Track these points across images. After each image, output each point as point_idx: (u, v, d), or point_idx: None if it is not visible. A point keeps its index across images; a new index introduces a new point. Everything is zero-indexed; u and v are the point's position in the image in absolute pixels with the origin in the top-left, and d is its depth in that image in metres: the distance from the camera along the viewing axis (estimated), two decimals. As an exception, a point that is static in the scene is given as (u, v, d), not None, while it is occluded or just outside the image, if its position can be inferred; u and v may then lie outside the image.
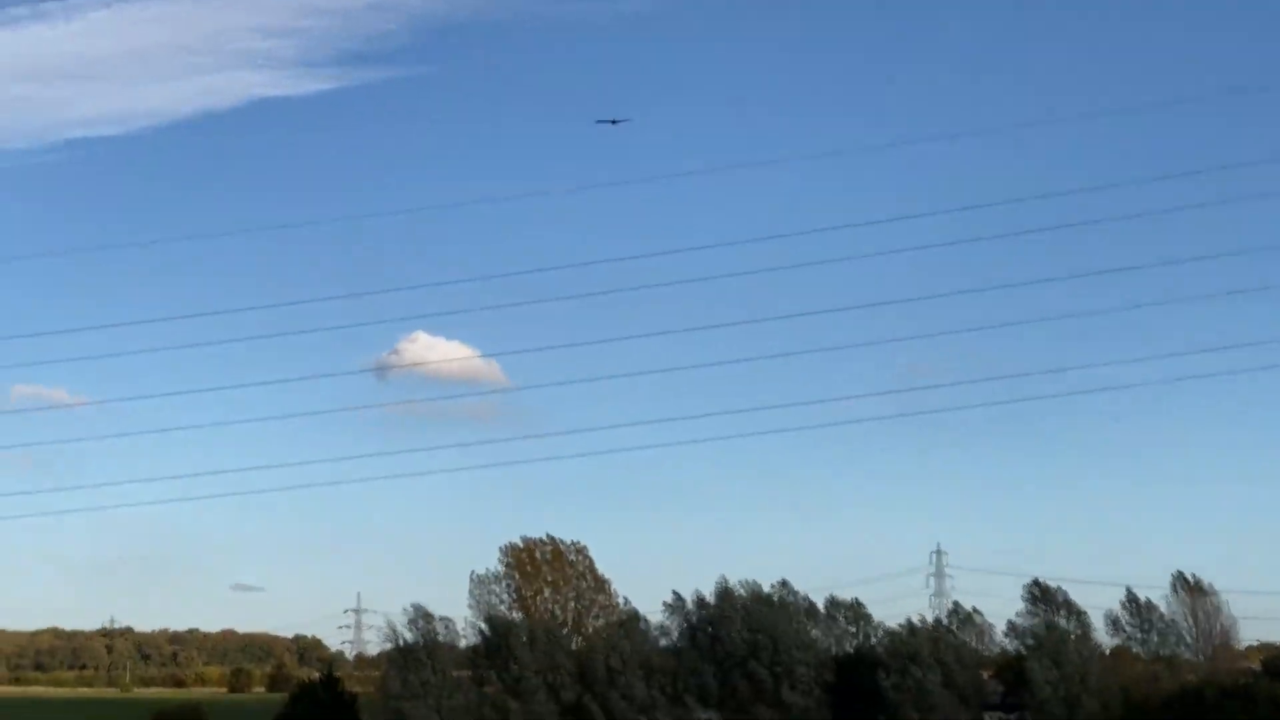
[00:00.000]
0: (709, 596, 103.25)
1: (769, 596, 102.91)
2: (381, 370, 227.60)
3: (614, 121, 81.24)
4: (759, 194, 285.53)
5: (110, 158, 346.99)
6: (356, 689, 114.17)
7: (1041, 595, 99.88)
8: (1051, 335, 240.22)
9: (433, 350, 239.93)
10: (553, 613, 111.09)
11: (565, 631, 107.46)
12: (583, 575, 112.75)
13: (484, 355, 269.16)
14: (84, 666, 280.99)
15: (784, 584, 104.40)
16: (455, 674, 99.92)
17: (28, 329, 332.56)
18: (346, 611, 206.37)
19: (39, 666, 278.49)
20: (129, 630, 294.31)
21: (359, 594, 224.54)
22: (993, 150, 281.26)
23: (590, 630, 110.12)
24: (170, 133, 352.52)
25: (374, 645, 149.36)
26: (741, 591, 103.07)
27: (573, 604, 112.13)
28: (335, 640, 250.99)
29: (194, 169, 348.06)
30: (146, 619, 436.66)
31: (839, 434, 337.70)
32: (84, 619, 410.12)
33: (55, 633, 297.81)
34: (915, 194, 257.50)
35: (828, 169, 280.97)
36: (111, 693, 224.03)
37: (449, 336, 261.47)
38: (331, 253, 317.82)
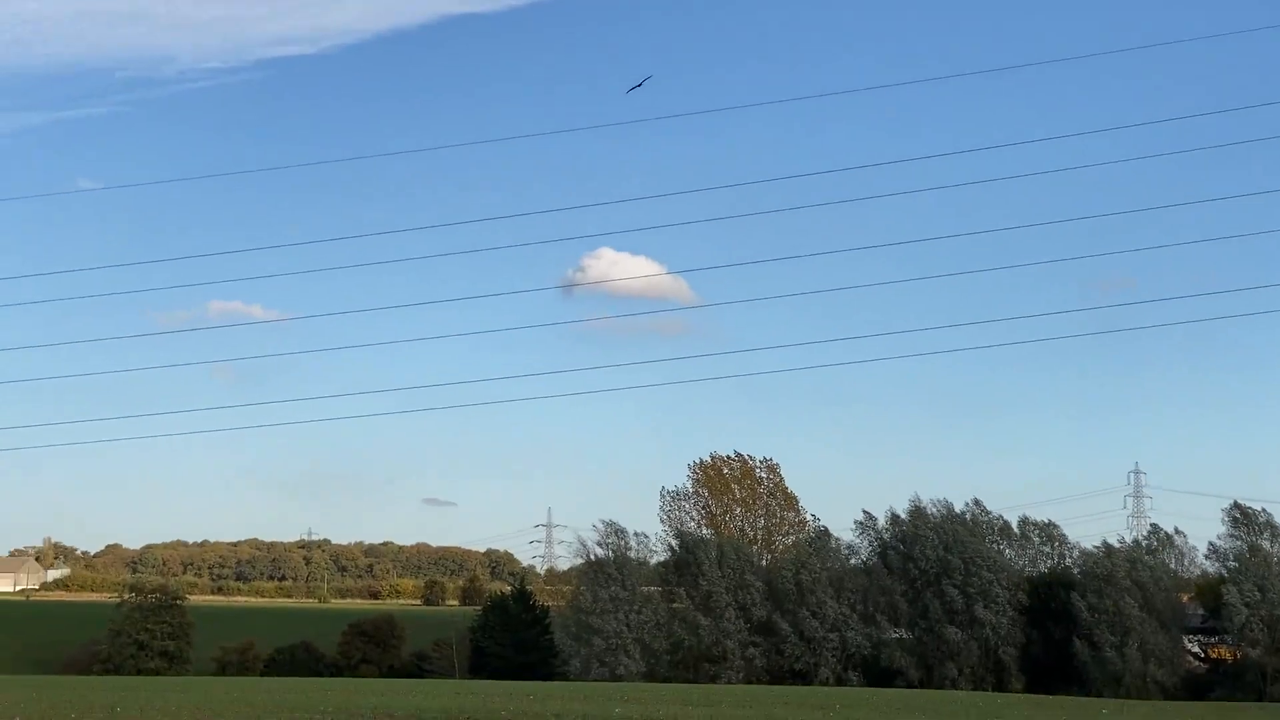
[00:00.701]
0: (901, 515, 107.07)
1: (962, 516, 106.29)
2: (569, 287, 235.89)
3: (640, 84, 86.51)
4: (951, 108, 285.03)
5: (301, 76, 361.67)
6: (548, 602, 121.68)
7: (1243, 518, 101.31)
8: (1254, 251, 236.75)
9: (619, 267, 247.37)
10: (742, 530, 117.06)
11: (754, 549, 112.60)
12: (772, 493, 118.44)
13: (671, 272, 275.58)
14: (283, 577, 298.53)
15: (977, 503, 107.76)
16: (645, 589, 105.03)
17: (224, 247, 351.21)
18: (537, 526, 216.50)
19: (240, 576, 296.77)
20: (326, 542, 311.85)
21: (549, 509, 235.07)
22: (1192, 62, 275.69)
23: (779, 548, 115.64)
24: (360, 51, 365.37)
25: (564, 560, 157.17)
26: (934, 511, 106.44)
27: (762, 521, 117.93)
28: (526, 555, 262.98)
29: (383, 87, 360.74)
30: (342, 532, 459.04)
31: (1035, 352, 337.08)
32: (283, 531, 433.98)
33: (255, 544, 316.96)
34: (1111, 108, 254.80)
35: (1018, 83, 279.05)
36: (310, 603, 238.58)
37: (635, 253, 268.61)
38: (520, 169, 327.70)
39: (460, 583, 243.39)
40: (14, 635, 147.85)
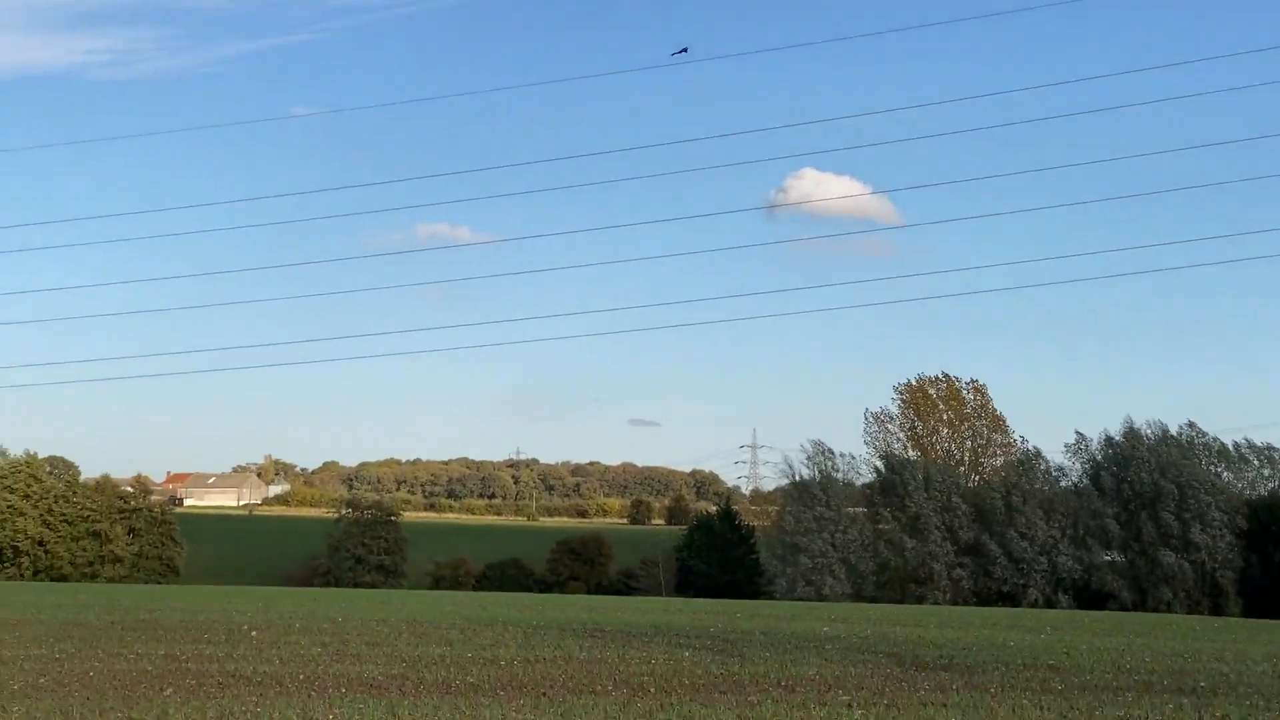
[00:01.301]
0: (1115, 437, 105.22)
1: (1177, 438, 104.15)
2: (772, 208, 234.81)
3: (681, 50, 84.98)
4: (1159, 20, 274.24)
5: (504, 1, 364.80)
6: (753, 522, 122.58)
7: None
8: None
9: (823, 187, 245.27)
10: (948, 451, 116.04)
11: (961, 471, 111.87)
12: (979, 414, 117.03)
13: (875, 192, 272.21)
14: (492, 495, 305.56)
15: (1191, 425, 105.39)
16: (850, 510, 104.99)
17: (431, 170, 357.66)
18: (742, 447, 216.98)
19: (451, 494, 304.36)
20: (534, 461, 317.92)
21: (754, 430, 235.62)
22: None
23: (987, 470, 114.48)
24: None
25: (769, 480, 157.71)
26: (1148, 433, 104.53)
27: (969, 443, 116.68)
28: (731, 475, 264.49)
29: (586, 10, 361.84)
30: (550, 451, 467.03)
31: (1250, 270, 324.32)
32: (492, 450, 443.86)
33: (465, 462, 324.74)
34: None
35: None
36: (519, 520, 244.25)
37: (839, 173, 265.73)
38: (723, 90, 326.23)
39: (665, 502, 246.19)
40: (238, 549, 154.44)
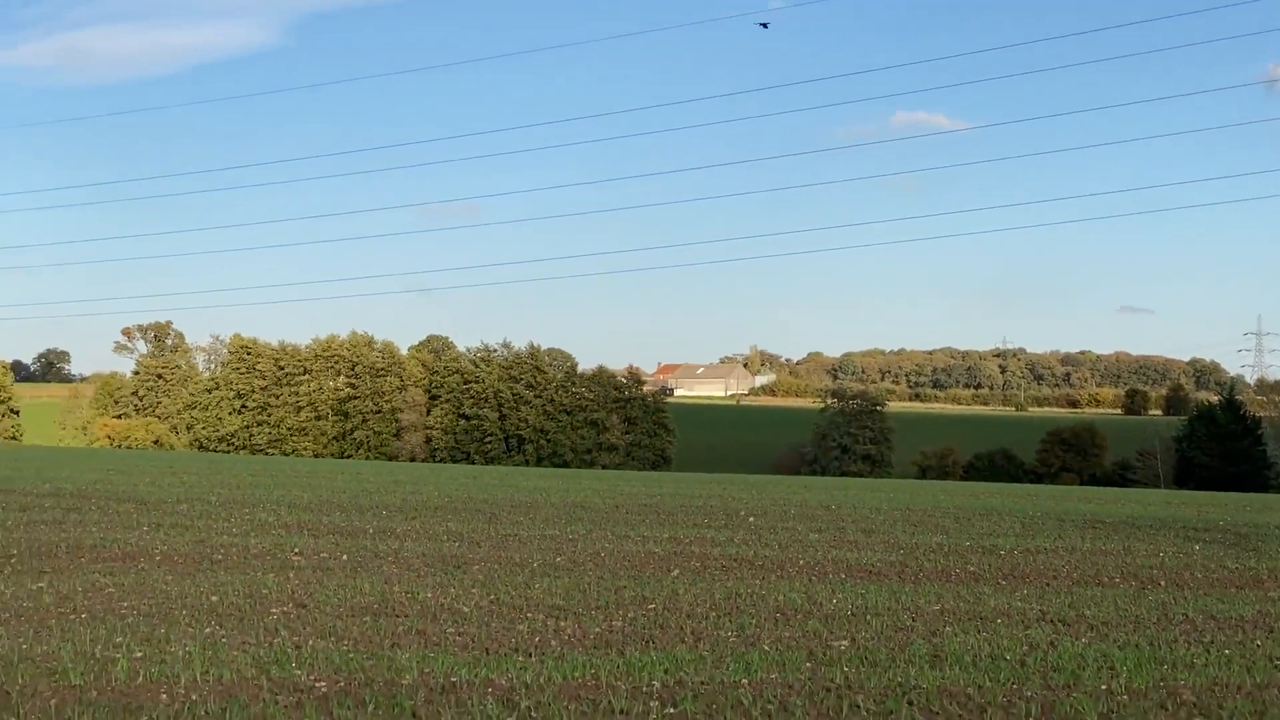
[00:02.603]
0: None
1: None
2: (1272, 83, 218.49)
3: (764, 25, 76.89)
4: None
5: None
6: (1259, 413, 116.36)
7: None
8: None
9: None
10: None
11: None
12: None
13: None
14: (978, 385, 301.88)
15: None
16: None
17: (906, 58, 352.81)
18: (1246, 334, 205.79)
19: (936, 384, 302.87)
20: (1021, 351, 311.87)
21: (1259, 316, 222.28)
22: None
23: None
24: None
25: (1276, 369, 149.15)
26: None
27: None
28: (1233, 364, 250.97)
29: None
30: (1036, 340, 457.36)
31: None
32: (977, 339, 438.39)
33: (950, 353, 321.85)
34: None
35: None
36: (1006, 411, 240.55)
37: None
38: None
39: (1162, 392, 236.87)
40: (726, 437, 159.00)
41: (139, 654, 12.04)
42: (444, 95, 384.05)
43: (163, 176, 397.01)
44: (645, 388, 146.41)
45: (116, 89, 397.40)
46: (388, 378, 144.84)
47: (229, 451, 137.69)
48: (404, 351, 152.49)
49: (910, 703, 11.02)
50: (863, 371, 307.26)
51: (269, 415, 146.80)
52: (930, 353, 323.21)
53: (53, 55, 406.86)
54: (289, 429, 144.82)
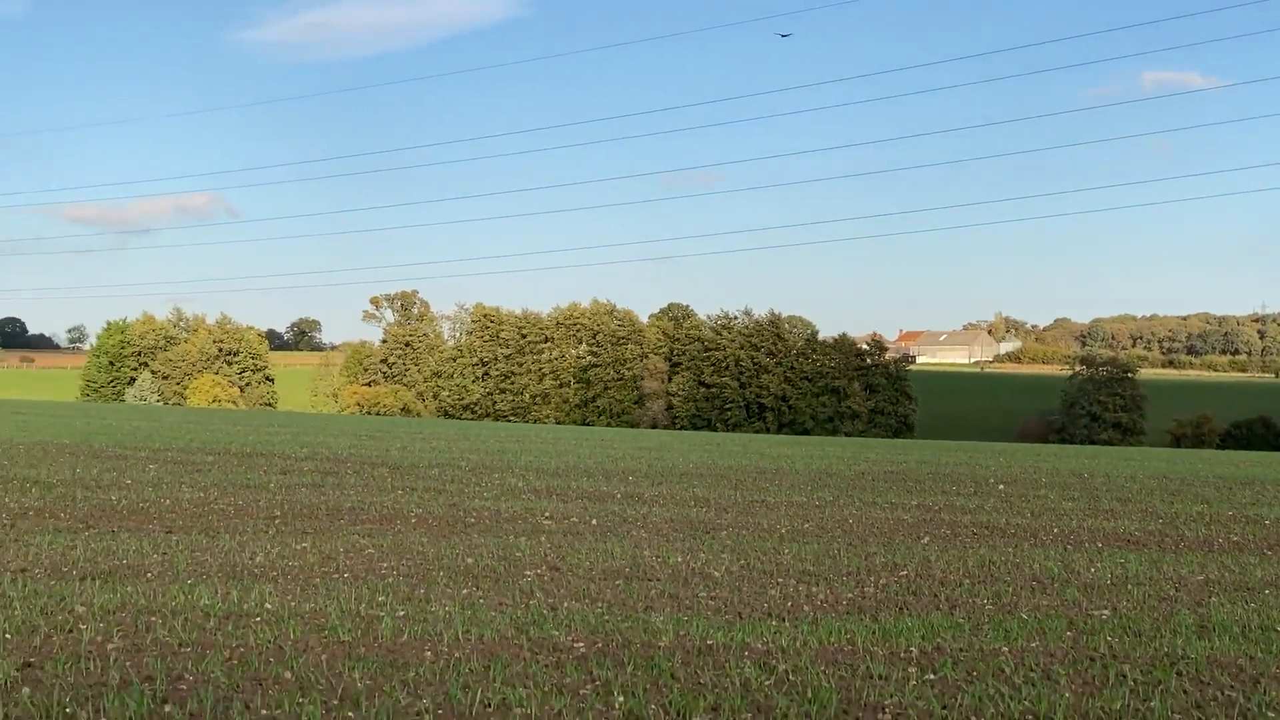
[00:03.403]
0: None
1: None
2: None
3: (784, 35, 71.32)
4: None
5: None
6: None
7: None
8: None
9: None
10: None
11: None
12: None
13: None
14: (1235, 351, 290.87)
15: None
16: None
17: (1154, 15, 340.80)
18: None
19: (1191, 350, 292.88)
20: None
21: None
22: None
23: None
24: None
25: None
26: None
27: None
28: None
29: None
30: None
31: None
32: (1234, 304, 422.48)
33: (1205, 318, 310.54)
34: None
35: None
36: (1265, 378, 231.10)
37: None
38: None
39: None
40: (969, 405, 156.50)
41: (401, 613, 12.40)
42: (683, 62, 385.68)
43: (408, 149, 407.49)
44: (887, 355, 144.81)
45: (362, 63, 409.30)
46: (629, 345, 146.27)
47: (473, 418, 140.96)
48: (644, 319, 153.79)
49: (1179, 673, 10.69)
50: (1113, 338, 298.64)
51: (512, 383, 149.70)
52: (1184, 318, 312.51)
53: (301, 32, 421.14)
54: (532, 396, 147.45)
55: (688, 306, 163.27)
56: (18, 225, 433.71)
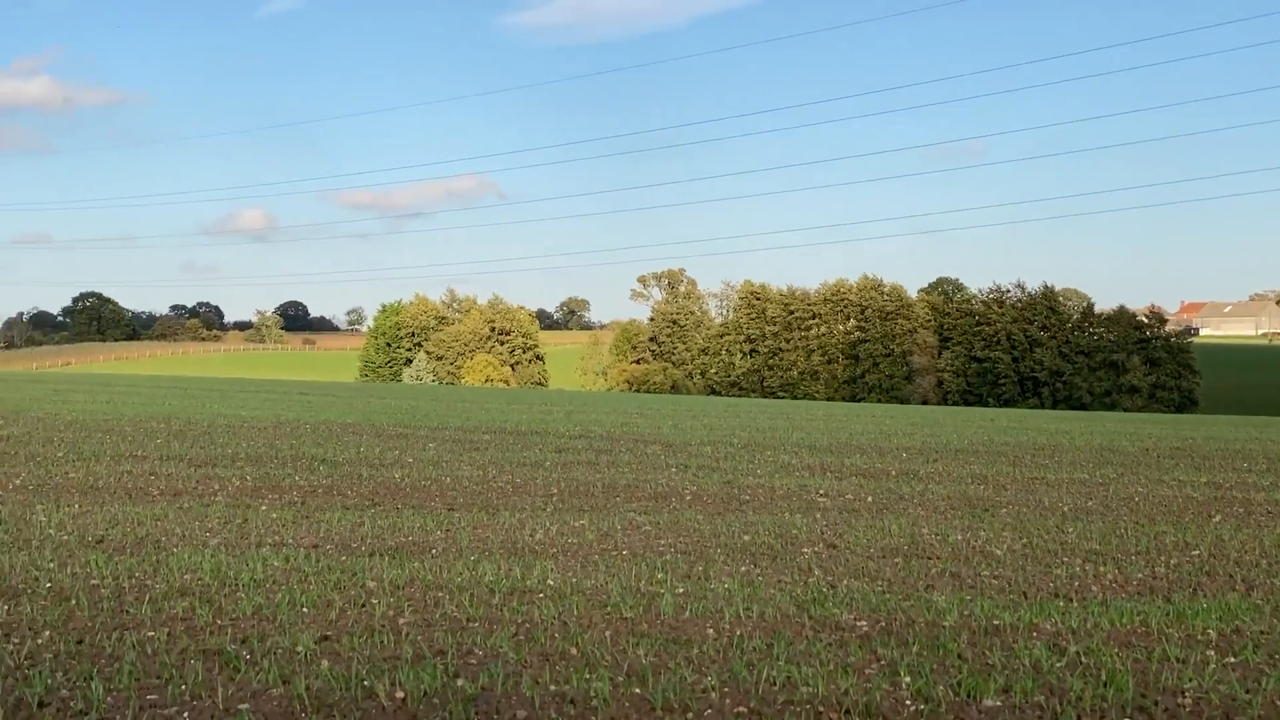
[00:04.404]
0: None
1: None
2: None
3: None
4: None
5: None
6: None
7: None
8: None
9: None
10: None
11: None
12: None
13: None
14: None
15: None
16: None
17: None
18: None
19: None
20: None
21: None
22: None
23: None
24: None
25: None
26: None
27: None
28: None
29: None
30: None
31: None
32: None
33: None
34: None
35: None
36: None
37: None
38: None
39: None
40: (1257, 378, 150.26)
41: (680, 590, 12.48)
42: (946, 35, 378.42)
43: (671, 128, 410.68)
44: (1168, 327, 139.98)
45: (624, 44, 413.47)
46: (897, 321, 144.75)
47: (740, 395, 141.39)
48: (912, 294, 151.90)
49: None
50: None
51: (779, 359, 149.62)
52: None
53: (565, 14, 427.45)
54: (800, 373, 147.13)
55: (957, 280, 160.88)
56: (297, 212, 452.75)
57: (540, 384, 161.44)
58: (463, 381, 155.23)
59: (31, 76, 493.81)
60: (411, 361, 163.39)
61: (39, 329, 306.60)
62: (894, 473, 27.31)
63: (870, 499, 22.09)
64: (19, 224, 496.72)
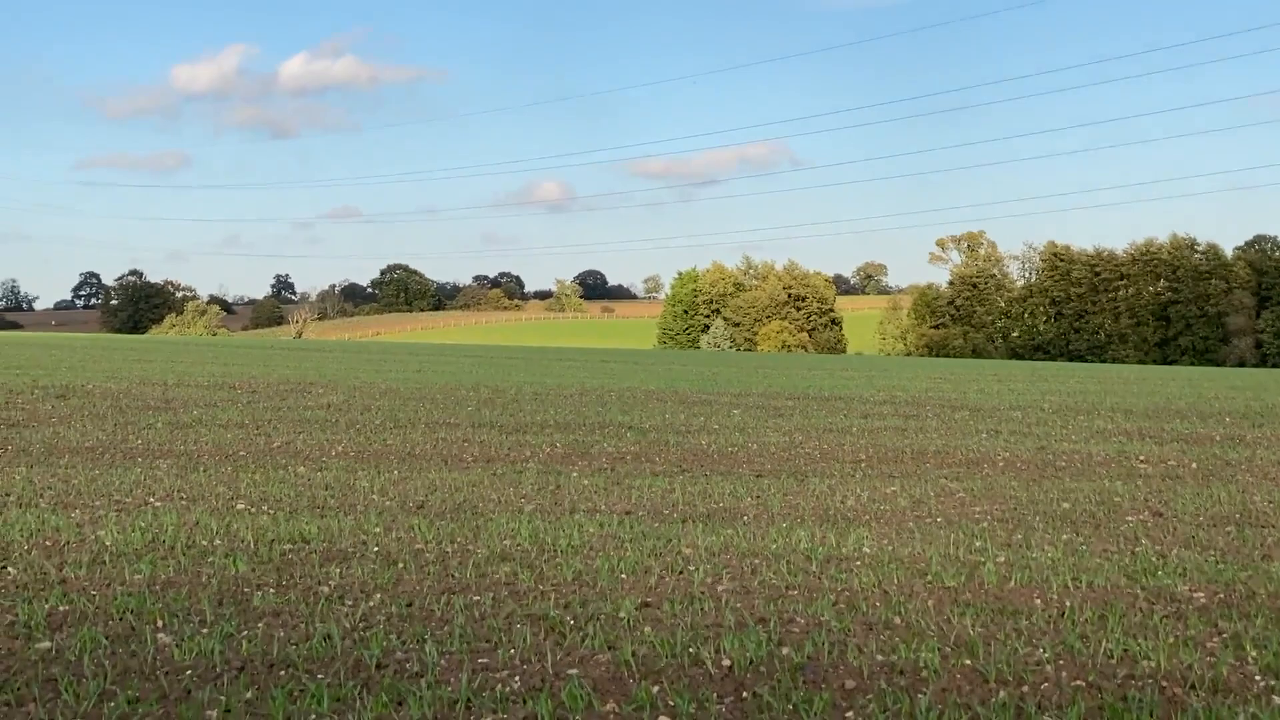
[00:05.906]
0: None
1: None
2: None
3: None
4: None
5: None
6: None
7: None
8: None
9: None
10: None
11: None
12: None
13: None
14: None
15: None
16: None
17: None
18: None
19: None
20: None
21: None
22: None
23: None
24: None
25: None
26: None
27: None
28: None
29: None
30: None
31: None
32: None
33: None
34: None
35: None
36: None
37: None
38: None
39: None
40: None
41: (1001, 558, 12.17)
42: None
43: (968, 88, 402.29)
44: None
45: (913, 5, 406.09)
46: (1212, 281, 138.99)
47: (1045, 359, 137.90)
48: (1228, 253, 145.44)
49: None
50: None
51: (1086, 322, 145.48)
52: None
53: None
54: (1108, 335, 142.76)
55: (1276, 238, 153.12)
56: (594, 182, 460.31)
57: (837, 349, 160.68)
58: (759, 348, 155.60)
59: (339, 57, 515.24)
60: (709, 328, 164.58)
61: (349, 300, 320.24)
62: (1218, 438, 26.17)
63: (1194, 465, 21.20)
64: (331, 199, 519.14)
